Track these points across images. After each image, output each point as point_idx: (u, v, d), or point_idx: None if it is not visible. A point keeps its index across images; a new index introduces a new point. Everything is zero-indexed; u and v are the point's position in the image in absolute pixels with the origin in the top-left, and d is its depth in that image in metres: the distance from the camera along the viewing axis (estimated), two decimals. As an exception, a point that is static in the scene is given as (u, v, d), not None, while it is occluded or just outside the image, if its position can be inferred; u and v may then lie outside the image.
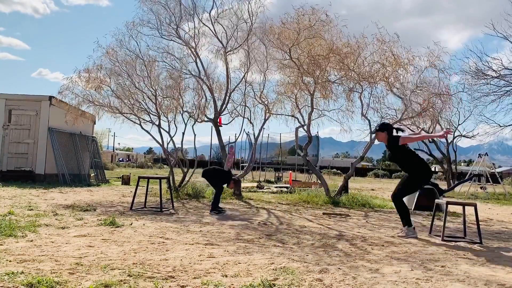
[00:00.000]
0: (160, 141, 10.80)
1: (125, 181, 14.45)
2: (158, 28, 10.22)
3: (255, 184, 15.40)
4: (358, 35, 9.99)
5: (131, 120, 10.74)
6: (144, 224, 5.46)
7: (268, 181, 20.36)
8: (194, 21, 10.45)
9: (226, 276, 3.13)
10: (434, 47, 9.83)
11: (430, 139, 18.15)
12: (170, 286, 2.84)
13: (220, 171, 7.95)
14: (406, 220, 5.61)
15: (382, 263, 3.83)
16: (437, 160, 22.43)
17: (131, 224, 5.40)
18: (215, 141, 12.13)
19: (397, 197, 5.71)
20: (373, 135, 5.98)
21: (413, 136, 6.17)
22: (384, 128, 5.74)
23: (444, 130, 5.73)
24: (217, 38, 10.55)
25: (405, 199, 9.46)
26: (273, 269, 3.39)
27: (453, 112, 15.20)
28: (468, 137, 20.08)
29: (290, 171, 21.32)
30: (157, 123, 10.61)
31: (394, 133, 5.74)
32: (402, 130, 5.92)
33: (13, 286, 2.63)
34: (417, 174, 5.62)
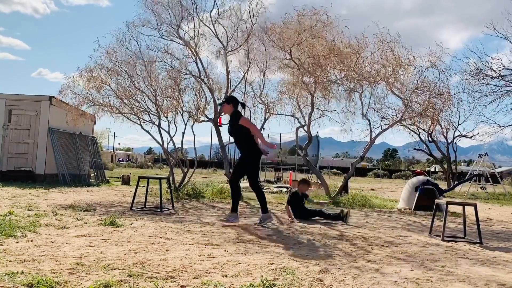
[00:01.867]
0: (160, 141, 10.80)
1: (125, 181, 14.45)
2: (159, 28, 10.23)
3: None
4: (358, 35, 10.02)
5: (131, 120, 10.75)
6: (144, 224, 5.46)
7: (268, 181, 20.35)
8: (194, 21, 10.45)
9: (226, 276, 3.13)
10: (435, 48, 9.86)
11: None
12: (170, 286, 2.84)
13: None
14: (233, 207, 5.97)
15: (382, 263, 3.83)
16: (437, 160, 22.44)
17: (131, 224, 5.40)
18: (215, 141, 12.14)
19: (233, 181, 6.06)
20: (219, 107, 6.57)
21: (255, 127, 6.08)
22: (230, 101, 6.12)
23: (268, 146, 6.14)
24: (218, 38, 10.55)
25: (405, 199, 9.52)
26: (273, 269, 3.39)
27: (453, 112, 15.24)
28: (468, 137, 20.08)
29: (290, 171, 21.33)
30: (157, 123, 10.62)
31: (240, 109, 6.15)
32: (245, 106, 6.38)
33: (13, 286, 2.63)
34: (248, 153, 5.96)
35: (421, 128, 15.85)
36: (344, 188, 10.87)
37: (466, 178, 18.02)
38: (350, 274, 3.36)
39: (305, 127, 11.01)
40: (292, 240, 4.84)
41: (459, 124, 19.46)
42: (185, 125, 10.96)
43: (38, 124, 12.57)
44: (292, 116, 11.48)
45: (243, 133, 5.94)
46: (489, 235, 6.11)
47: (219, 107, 8.27)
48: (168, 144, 10.96)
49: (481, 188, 19.36)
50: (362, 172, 56.19)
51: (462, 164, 73.55)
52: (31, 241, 4.06)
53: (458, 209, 8.54)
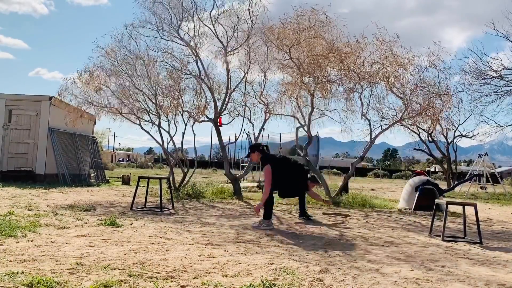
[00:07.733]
0: (160, 141, 10.79)
1: (125, 181, 14.45)
2: (159, 28, 10.22)
3: (255, 184, 15.40)
4: (360, 34, 9.99)
5: (131, 121, 10.74)
6: (144, 224, 5.46)
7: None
8: (194, 22, 10.44)
9: (226, 276, 3.13)
10: (434, 47, 9.84)
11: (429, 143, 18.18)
12: (170, 286, 2.84)
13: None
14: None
15: (382, 263, 3.83)
16: (437, 160, 22.42)
17: (131, 224, 5.41)
18: (215, 141, 12.15)
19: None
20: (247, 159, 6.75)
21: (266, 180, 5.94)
22: (254, 149, 6.33)
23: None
24: (218, 38, 10.55)
25: (405, 199, 9.52)
26: (273, 269, 3.39)
27: (453, 112, 15.23)
28: (468, 137, 20.08)
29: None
30: (157, 123, 10.61)
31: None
32: (268, 149, 6.43)
33: (13, 286, 2.63)
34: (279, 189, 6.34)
35: (421, 128, 15.85)
36: (344, 188, 10.86)
37: (466, 178, 18.02)
38: (350, 274, 3.36)
39: (305, 127, 11.00)
40: (292, 240, 4.84)
41: (459, 124, 19.47)
42: (185, 125, 10.96)
43: (38, 124, 12.57)
44: (292, 116, 11.47)
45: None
46: (489, 235, 6.11)
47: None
48: (168, 144, 10.97)
49: (481, 188, 19.36)
50: (362, 172, 56.15)
51: (462, 164, 73.56)
52: (31, 241, 4.06)
53: (458, 209, 8.54)
